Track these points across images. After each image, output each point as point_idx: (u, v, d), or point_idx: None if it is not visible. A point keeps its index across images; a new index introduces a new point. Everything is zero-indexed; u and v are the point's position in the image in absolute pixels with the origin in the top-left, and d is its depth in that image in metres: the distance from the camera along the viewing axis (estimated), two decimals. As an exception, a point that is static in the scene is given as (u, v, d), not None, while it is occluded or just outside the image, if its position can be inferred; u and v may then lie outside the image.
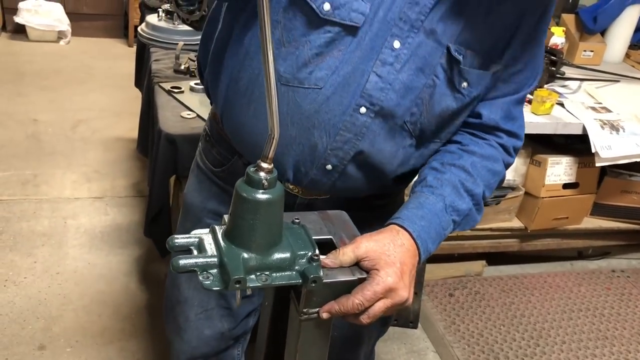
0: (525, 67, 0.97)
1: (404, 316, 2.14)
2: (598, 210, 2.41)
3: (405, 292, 0.83)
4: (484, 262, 2.43)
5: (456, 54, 0.89)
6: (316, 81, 0.90)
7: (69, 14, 4.69)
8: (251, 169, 0.72)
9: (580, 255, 2.67)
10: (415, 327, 2.16)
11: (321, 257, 0.79)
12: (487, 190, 1.00)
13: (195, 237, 0.76)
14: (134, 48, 2.73)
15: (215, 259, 0.73)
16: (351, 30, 0.88)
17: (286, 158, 0.96)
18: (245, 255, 0.73)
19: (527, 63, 0.97)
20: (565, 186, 2.27)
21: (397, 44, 0.88)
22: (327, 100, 0.91)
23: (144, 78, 2.41)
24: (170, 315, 1.24)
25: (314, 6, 0.86)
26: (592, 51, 2.64)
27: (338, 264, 0.81)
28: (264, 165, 0.71)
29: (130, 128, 3.25)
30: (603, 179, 2.35)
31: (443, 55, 0.90)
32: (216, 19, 1.04)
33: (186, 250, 0.75)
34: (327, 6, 0.86)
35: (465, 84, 0.92)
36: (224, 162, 1.09)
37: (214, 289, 0.71)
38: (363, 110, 0.91)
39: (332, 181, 0.99)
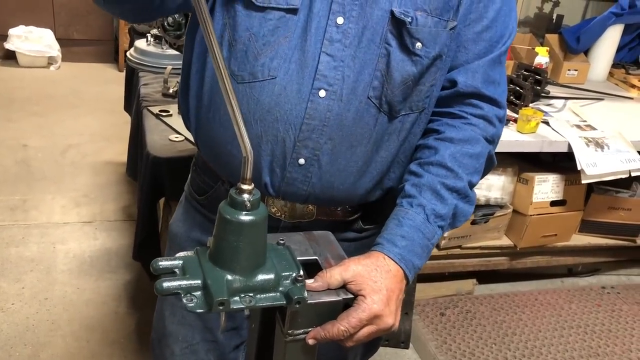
0: (493, 24, 0.95)
1: (395, 336, 2.13)
2: (586, 227, 2.43)
3: (390, 319, 0.83)
4: (474, 280, 2.44)
5: (402, 16, 0.88)
6: (270, 71, 0.90)
7: (59, 39, 4.72)
8: (233, 191, 0.73)
9: (571, 272, 2.68)
10: (406, 347, 2.16)
11: (308, 281, 0.79)
12: (474, 175, 0.97)
13: (180, 260, 0.76)
14: (125, 72, 2.75)
15: (199, 281, 0.73)
16: (291, 12, 0.88)
17: (259, 161, 0.95)
18: (229, 277, 0.73)
19: (492, 20, 0.95)
20: (553, 203, 2.28)
21: (340, 20, 0.88)
22: (284, 89, 0.91)
23: (133, 102, 2.42)
24: (157, 347, 1.21)
25: None
26: (576, 70, 2.68)
27: (325, 287, 0.81)
28: (245, 186, 0.71)
29: (120, 152, 3.25)
30: (590, 196, 2.37)
31: (389, 21, 0.89)
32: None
33: (170, 273, 0.75)
34: None
35: (419, 45, 0.90)
36: (207, 189, 1.09)
37: (198, 311, 0.71)
38: (322, 93, 0.90)
39: (308, 178, 0.96)
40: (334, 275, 0.81)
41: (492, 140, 1.00)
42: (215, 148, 1.00)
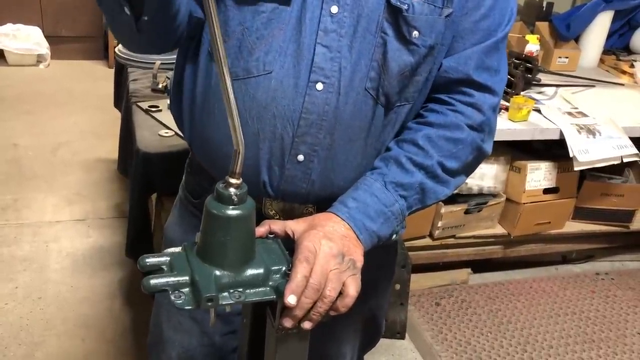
0: (490, 12, 0.92)
1: (391, 327, 2.13)
2: (579, 214, 2.43)
3: (310, 242, 0.80)
4: (469, 270, 2.44)
5: (398, 3, 0.86)
6: (265, 66, 0.88)
7: (48, 37, 4.67)
8: (220, 185, 0.72)
9: (565, 259, 2.68)
10: (402, 337, 2.16)
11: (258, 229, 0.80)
12: (450, 159, 0.93)
13: (167, 256, 0.75)
14: (114, 69, 2.73)
15: (187, 278, 0.72)
16: (284, 4, 0.86)
17: (257, 160, 0.93)
18: (218, 272, 0.73)
19: (490, 7, 0.92)
20: (546, 191, 2.28)
21: (334, 9, 0.86)
22: (280, 84, 0.88)
23: (123, 98, 2.41)
24: (153, 352, 1.20)
25: None
26: (567, 57, 2.68)
27: (267, 230, 0.83)
28: (233, 180, 0.71)
29: (111, 149, 3.22)
30: (582, 183, 2.37)
31: (385, 9, 0.86)
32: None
33: (158, 270, 0.75)
34: None
35: (416, 33, 0.88)
36: (203, 192, 1.05)
37: (186, 307, 0.70)
38: (320, 86, 0.88)
39: (308, 175, 0.93)
40: (277, 223, 0.83)
41: (480, 129, 0.96)
42: (211, 151, 0.97)
